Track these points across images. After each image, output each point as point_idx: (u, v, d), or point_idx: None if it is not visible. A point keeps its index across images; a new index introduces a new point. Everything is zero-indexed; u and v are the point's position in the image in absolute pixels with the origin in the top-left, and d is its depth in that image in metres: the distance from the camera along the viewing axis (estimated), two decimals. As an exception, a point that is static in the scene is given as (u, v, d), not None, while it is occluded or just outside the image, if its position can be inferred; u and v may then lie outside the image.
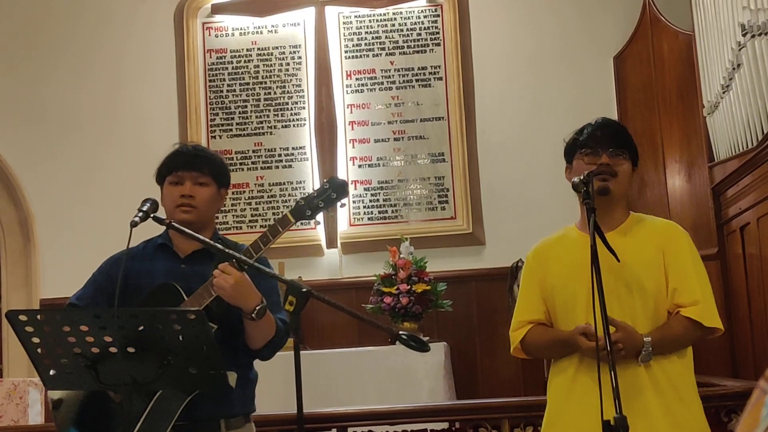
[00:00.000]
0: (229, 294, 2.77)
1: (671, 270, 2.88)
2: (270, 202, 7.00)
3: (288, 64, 7.14)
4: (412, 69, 7.06)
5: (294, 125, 7.08)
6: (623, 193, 2.96)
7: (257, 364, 3.09)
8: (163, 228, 3.01)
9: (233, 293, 2.77)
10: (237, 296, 2.79)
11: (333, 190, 2.86)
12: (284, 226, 2.85)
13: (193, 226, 2.95)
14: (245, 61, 7.16)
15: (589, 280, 2.75)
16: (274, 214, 6.97)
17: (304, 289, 2.51)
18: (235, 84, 7.14)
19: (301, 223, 3.02)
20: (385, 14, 7.12)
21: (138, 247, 3.11)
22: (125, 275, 2.94)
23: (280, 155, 7.05)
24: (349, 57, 7.11)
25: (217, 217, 6.91)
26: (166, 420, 2.77)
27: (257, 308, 2.80)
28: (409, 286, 6.07)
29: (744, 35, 4.69)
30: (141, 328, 2.48)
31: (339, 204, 2.98)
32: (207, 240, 2.87)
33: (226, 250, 2.79)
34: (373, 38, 7.11)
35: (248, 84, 7.14)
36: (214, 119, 7.12)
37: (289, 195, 6.97)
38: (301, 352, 2.53)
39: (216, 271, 2.79)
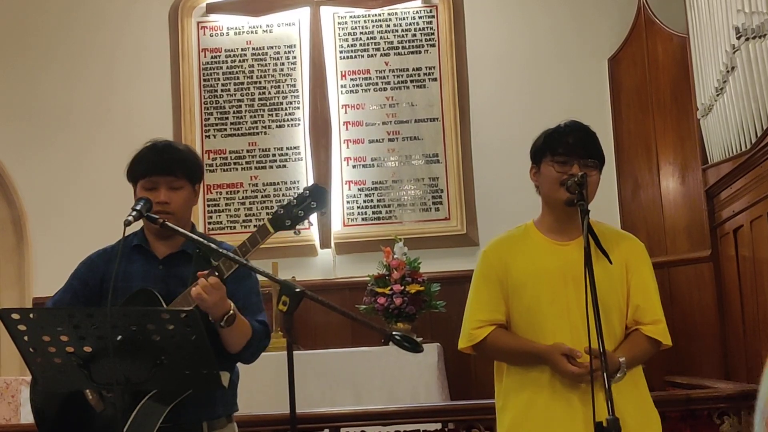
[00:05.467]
0: (206, 306, 2.75)
1: (634, 286, 2.89)
2: (264, 202, 7.00)
3: (283, 64, 7.14)
4: (407, 70, 7.06)
5: (288, 125, 7.08)
6: (589, 202, 2.91)
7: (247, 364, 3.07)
8: (137, 226, 2.99)
9: (211, 305, 2.76)
10: (212, 307, 2.77)
11: (313, 199, 2.81)
12: (263, 236, 2.82)
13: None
14: (240, 61, 7.16)
15: (554, 288, 2.78)
16: (267, 214, 6.94)
17: (298, 289, 2.50)
18: (230, 83, 7.14)
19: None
20: (380, 15, 7.12)
21: (113, 247, 3.08)
22: (101, 278, 2.92)
23: (274, 155, 7.05)
24: (343, 57, 7.11)
25: (211, 217, 6.94)
26: (151, 425, 2.76)
27: (225, 317, 2.78)
28: (402, 287, 6.07)
29: (738, 38, 4.69)
30: (133, 327, 2.47)
31: (320, 212, 2.93)
32: (200, 239, 2.85)
33: (220, 250, 2.78)
34: (367, 38, 7.11)
35: (243, 83, 7.13)
36: (209, 118, 7.11)
37: (283, 195, 6.97)
38: (294, 352, 2.53)
39: (204, 284, 2.74)
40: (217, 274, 2.77)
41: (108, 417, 2.77)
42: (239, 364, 3.08)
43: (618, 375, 2.75)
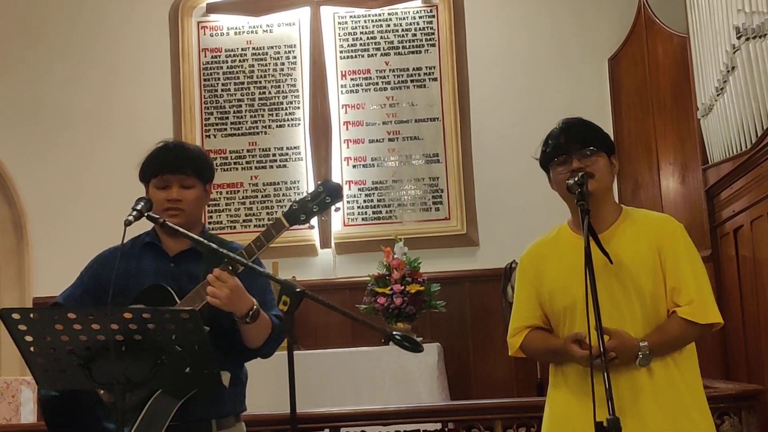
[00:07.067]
0: (222, 303, 2.77)
1: (668, 268, 2.84)
2: (264, 201, 7.00)
3: (283, 63, 7.14)
4: (407, 69, 7.06)
5: (288, 125, 7.08)
6: (606, 188, 2.90)
7: (249, 363, 3.09)
8: (150, 225, 3.00)
9: (227, 302, 2.77)
10: (230, 304, 2.78)
11: (327, 194, 2.85)
12: (278, 230, 2.85)
13: (182, 227, 2.92)
14: (240, 61, 7.16)
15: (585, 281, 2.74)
16: (268, 213, 6.97)
17: (298, 289, 2.50)
18: (230, 83, 7.14)
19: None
20: (380, 14, 7.13)
21: (125, 245, 3.09)
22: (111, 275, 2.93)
23: (274, 155, 7.05)
24: (344, 57, 7.11)
25: (211, 217, 6.94)
26: (161, 421, 2.78)
27: (250, 313, 2.80)
28: (402, 287, 6.07)
29: (738, 38, 4.70)
30: (134, 327, 2.47)
31: (333, 208, 2.97)
32: (201, 239, 2.85)
33: (220, 250, 2.78)
34: (368, 38, 7.12)
35: (243, 83, 7.14)
36: (209, 118, 7.11)
37: (284, 195, 6.98)
38: (295, 352, 2.53)
39: (210, 277, 2.77)
40: (230, 269, 2.79)
41: (120, 410, 2.78)
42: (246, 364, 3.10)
43: (640, 357, 2.72)
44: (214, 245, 2.83)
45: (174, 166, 3.02)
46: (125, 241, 3.01)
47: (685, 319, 2.80)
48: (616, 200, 2.97)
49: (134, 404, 2.75)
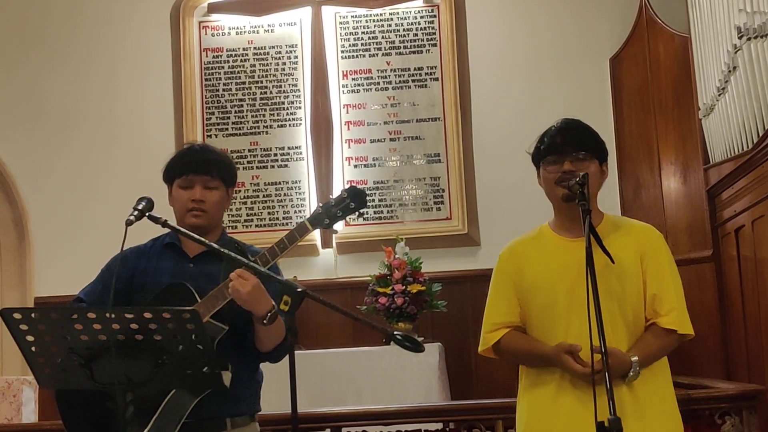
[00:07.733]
0: (244, 299, 2.80)
1: (650, 275, 2.87)
2: (265, 201, 7.00)
3: (284, 63, 7.14)
4: (409, 69, 7.06)
5: (290, 125, 7.08)
6: (592, 194, 2.88)
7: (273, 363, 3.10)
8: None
9: (248, 298, 2.80)
10: (251, 301, 2.81)
11: (352, 200, 2.93)
12: (302, 233, 2.92)
13: (203, 229, 3.01)
14: (241, 61, 7.16)
15: (570, 284, 2.75)
16: (269, 213, 6.97)
17: (299, 289, 2.51)
18: (232, 83, 7.14)
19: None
20: (381, 14, 7.13)
21: (146, 245, 3.15)
22: (132, 273, 3.00)
23: (276, 155, 7.05)
24: (345, 57, 7.11)
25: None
26: (176, 418, 2.81)
27: (269, 314, 2.81)
28: (404, 287, 6.07)
29: (740, 38, 4.69)
30: (135, 327, 2.48)
31: (356, 214, 3.00)
32: (207, 242, 2.86)
33: (224, 251, 2.79)
34: (369, 38, 7.12)
35: (244, 83, 7.14)
36: (210, 118, 7.11)
37: (285, 195, 6.98)
38: (296, 351, 2.53)
39: (233, 275, 2.80)
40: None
41: (134, 410, 2.79)
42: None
43: (630, 374, 2.75)
44: (215, 245, 2.85)
45: (200, 167, 3.07)
46: (147, 240, 3.05)
47: (666, 329, 2.84)
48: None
49: (151, 399, 2.78)
